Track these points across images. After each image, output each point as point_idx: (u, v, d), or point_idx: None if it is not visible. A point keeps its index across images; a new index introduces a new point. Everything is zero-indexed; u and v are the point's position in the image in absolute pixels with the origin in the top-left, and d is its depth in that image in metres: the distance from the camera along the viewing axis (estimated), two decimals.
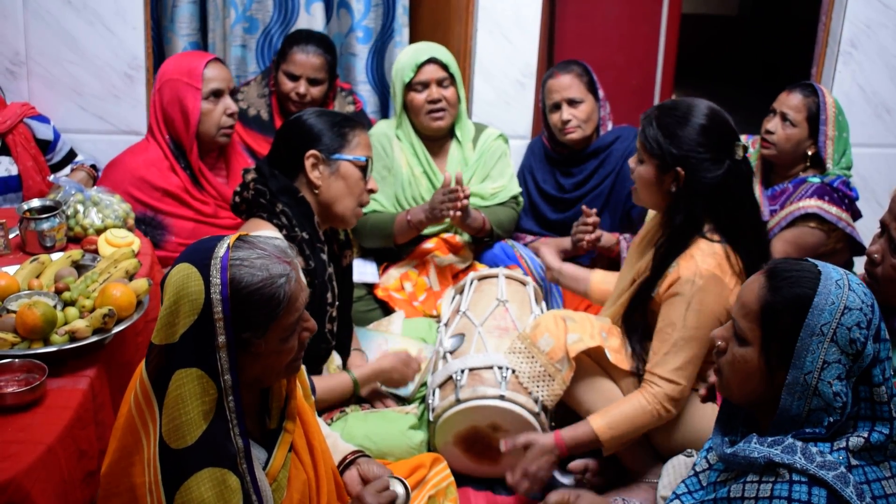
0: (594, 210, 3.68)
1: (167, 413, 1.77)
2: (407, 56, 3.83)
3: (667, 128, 2.80)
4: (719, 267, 2.78)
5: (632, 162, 2.93)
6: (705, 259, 2.78)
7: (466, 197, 3.56)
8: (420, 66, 3.76)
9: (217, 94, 3.48)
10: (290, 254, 1.88)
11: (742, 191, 2.87)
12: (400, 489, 2.15)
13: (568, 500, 2.10)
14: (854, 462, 1.74)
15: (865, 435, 1.75)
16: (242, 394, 1.83)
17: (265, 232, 2.63)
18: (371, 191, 2.94)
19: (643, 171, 2.86)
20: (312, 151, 2.81)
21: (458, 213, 3.57)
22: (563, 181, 4.04)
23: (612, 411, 2.82)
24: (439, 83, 3.79)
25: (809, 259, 1.88)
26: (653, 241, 3.00)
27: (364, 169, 2.89)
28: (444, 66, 3.80)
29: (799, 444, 1.74)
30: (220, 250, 1.80)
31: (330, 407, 2.98)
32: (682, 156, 2.78)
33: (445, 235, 3.87)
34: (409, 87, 3.78)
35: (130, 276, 2.65)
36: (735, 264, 2.80)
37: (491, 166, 3.95)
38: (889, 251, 2.38)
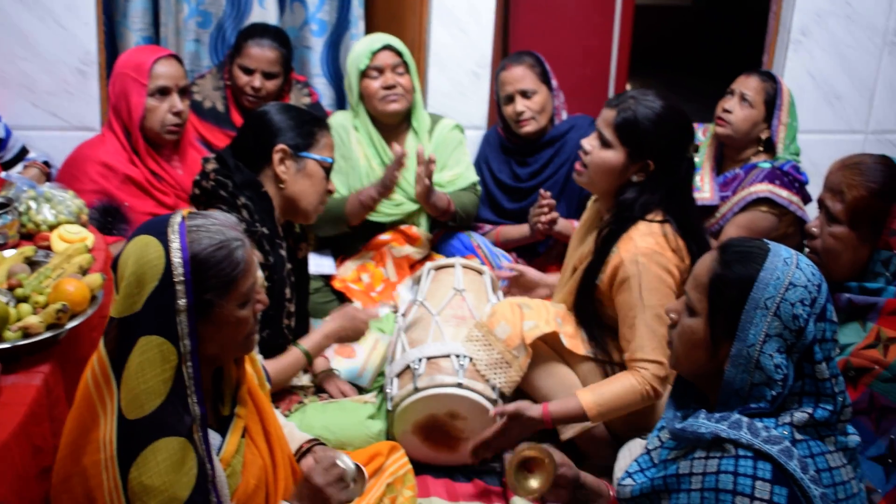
0: (549, 193, 3.70)
1: (126, 384, 1.80)
2: (361, 45, 3.85)
3: (648, 120, 2.83)
4: (657, 244, 2.81)
5: (588, 143, 2.93)
6: (643, 238, 2.82)
7: (432, 161, 3.60)
8: (375, 53, 3.78)
9: (164, 92, 3.48)
10: (239, 226, 1.95)
11: (690, 185, 2.97)
12: (349, 462, 2.14)
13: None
14: (799, 437, 1.77)
15: (810, 411, 1.79)
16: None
17: None
18: (329, 192, 2.96)
19: (609, 156, 2.87)
20: (281, 146, 2.82)
21: (426, 185, 3.60)
22: (518, 171, 4.06)
23: (601, 388, 2.82)
24: (394, 69, 3.80)
25: (763, 239, 1.92)
26: (593, 227, 3.03)
27: (328, 171, 2.92)
28: (399, 54, 3.82)
29: (745, 419, 1.77)
30: (176, 219, 1.86)
31: (286, 390, 2.98)
32: (659, 149, 2.83)
33: (402, 226, 3.88)
34: (365, 74, 3.80)
35: (84, 272, 2.63)
36: (672, 240, 2.83)
37: (448, 156, 3.97)
38: (825, 222, 2.44)
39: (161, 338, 1.80)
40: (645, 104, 2.83)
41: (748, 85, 3.75)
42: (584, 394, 2.81)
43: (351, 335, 3.05)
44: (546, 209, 3.68)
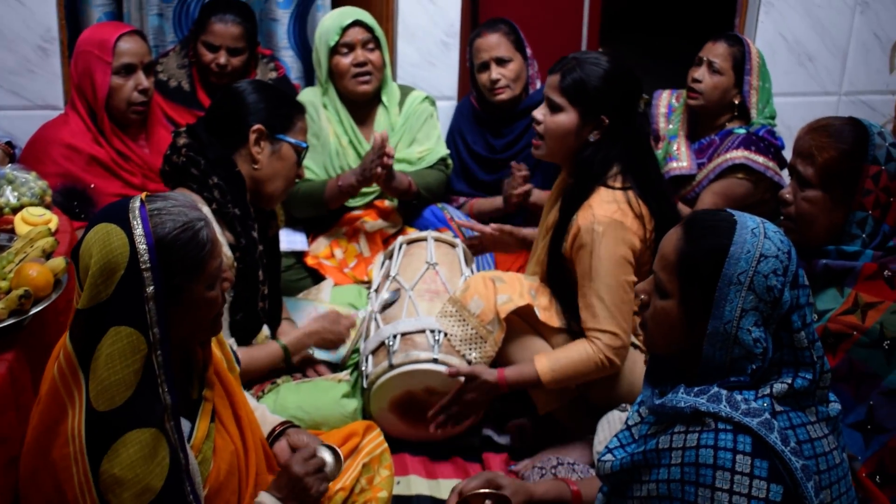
0: (523, 164, 3.68)
1: (95, 376, 1.76)
2: (331, 20, 3.77)
3: (597, 77, 2.82)
4: (619, 211, 2.79)
5: (539, 113, 2.91)
6: (602, 206, 2.80)
7: (391, 157, 3.52)
8: (345, 29, 3.71)
9: (129, 70, 3.41)
10: (199, 205, 1.93)
11: (647, 139, 2.97)
12: (328, 456, 2.14)
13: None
14: (779, 408, 1.75)
15: (789, 381, 1.76)
16: None
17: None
18: (299, 177, 2.92)
19: (562, 119, 2.86)
20: (259, 126, 2.76)
21: (383, 172, 3.52)
22: (493, 142, 4.02)
23: (557, 354, 2.83)
24: (364, 45, 3.74)
25: (727, 209, 1.89)
26: (561, 194, 3.01)
27: (301, 155, 2.87)
28: (370, 29, 3.76)
29: (724, 392, 1.75)
30: (135, 204, 1.82)
31: (260, 378, 2.94)
32: (611, 104, 2.81)
33: (375, 201, 3.84)
34: (335, 50, 3.73)
35: (48, 255, 2.58)
36: (636, 207, 2.81)
37: (417, 129, 3.92)
38: (798, 188, 2.43)
39: (130, 328, 1.77)
40: (590, 62, 2.84)
41: (715, 52, 3.72)
42: (540, 360, 2.82)
43: (331, 339, 3.04)
44: (520, 181, 3.65)
